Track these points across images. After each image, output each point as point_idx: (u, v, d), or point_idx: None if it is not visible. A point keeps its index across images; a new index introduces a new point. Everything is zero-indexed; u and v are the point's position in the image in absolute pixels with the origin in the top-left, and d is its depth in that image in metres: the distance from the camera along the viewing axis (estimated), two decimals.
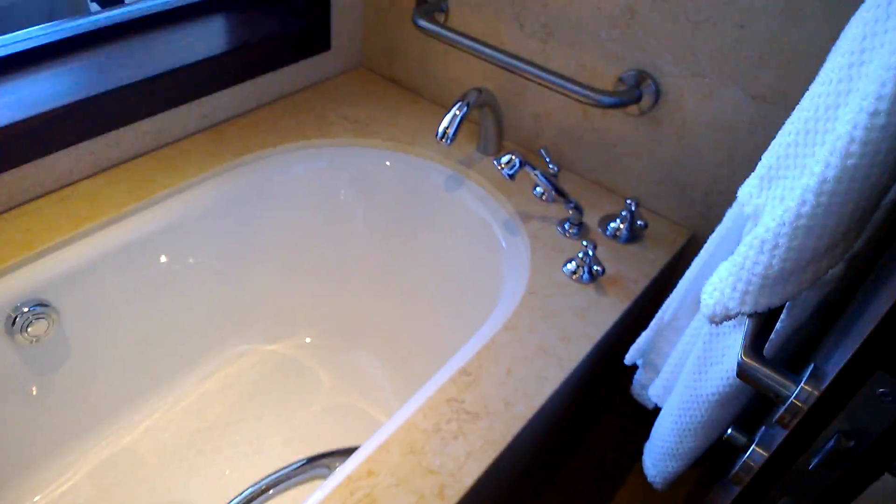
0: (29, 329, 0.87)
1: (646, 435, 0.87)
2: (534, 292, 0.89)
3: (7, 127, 0.85)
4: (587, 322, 0.85)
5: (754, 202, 0.60)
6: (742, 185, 0.63)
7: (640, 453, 1.22)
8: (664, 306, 0.79)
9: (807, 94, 0.54)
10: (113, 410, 1.04)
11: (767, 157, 0.59)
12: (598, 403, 1.18)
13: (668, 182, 1.00)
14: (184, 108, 1.05)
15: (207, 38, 1.09)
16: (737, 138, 0.90)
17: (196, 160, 1.03)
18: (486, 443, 0.71)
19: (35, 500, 0.96)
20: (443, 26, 1.05)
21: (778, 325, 0.61)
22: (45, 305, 0.88)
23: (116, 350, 1.01)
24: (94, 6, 1.18)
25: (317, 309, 1.22)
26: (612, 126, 1.02)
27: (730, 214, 0.70)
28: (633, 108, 0.97)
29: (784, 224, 0.48)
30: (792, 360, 0.68)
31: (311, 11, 1.15)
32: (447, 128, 0.95)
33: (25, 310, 0.86)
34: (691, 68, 0.90)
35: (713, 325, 0.65)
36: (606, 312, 0.87)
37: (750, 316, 0.53)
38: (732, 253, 0.68)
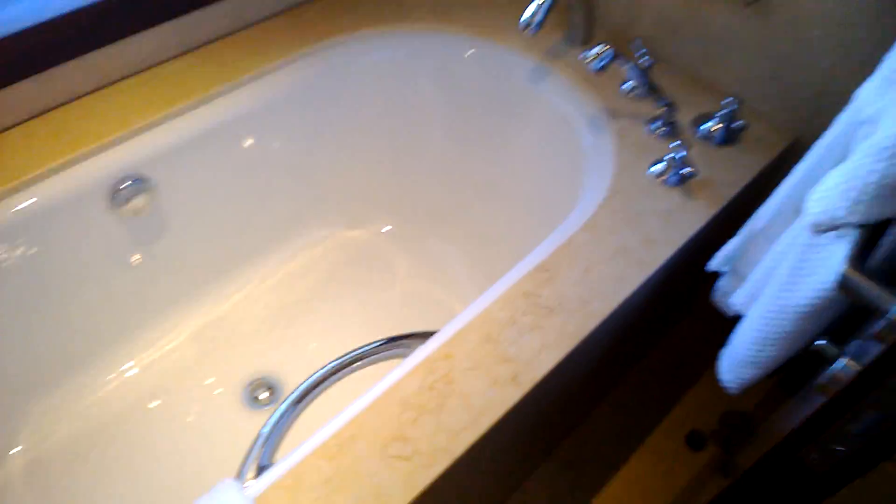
0: (130, 203, 0.92)
1: (720, 341, 0.87)
2: (617, 193, 0.86)
3: (97, 4, 0.87)
4: (671, 226, 0.83)
5: (875, 105, 0.55)
6: (861, 87, 0.58)
7: (713, 358, 1.22)
8: (758, 213, 0.75)
9: None
10: (208, 282, 1.12)
11: (892, 59, 0.53)
12: (676, 307, 1.17)
13: (773, 80, 0.93)
14: None
15: None
16: (856, 35, 0.82)
17: (277, 43, 1.03)
18: (560, 336, 0.72)
19: (144, 356, 1.07)
20: None
21: (885, 238, 0.58)
22: (144, 181, 0.93)
23: (209, 226, 1.07)
24: None
25: (396, 198, 1.24)
26: (717, 15, 0.94)
27: (842, 118, 0.64)
28: None
29: None
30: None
31: None
32: (532, 15, 0.90)
33: (126, 184, 0.91)
34: None
35: (811, 236, 0.62)
36: (693, 217, 0.84)
37: (858, 227, 0.50)
38: (841, 160, 0.64)
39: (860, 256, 0.49)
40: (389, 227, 1.25)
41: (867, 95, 0.55)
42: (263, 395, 1.03)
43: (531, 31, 0.90)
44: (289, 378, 1.06)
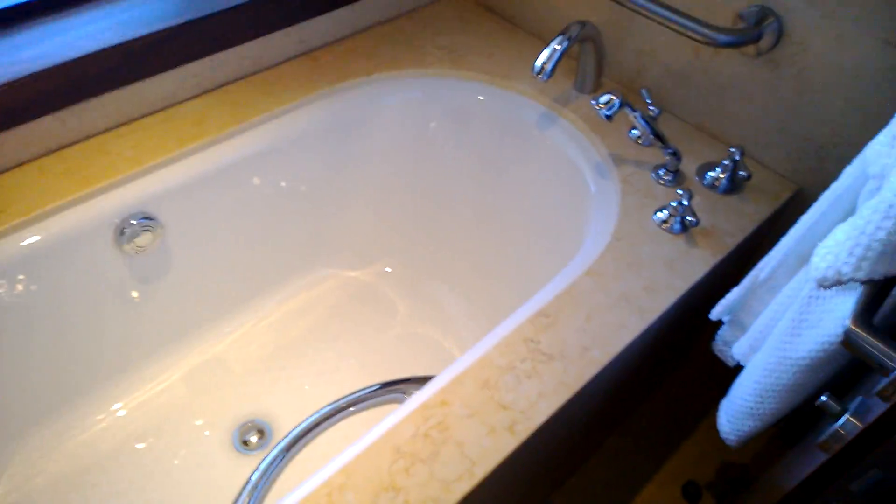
0: (136, 239, 0.93)
1: (719, 390, 0.85)
2: (620, 239, 0.86)
3: (121, 45, 0.89)
4: (674, 274, 0.82)
5: (882, 161, 0.55)
6: (870, 143, 0.58)
7: (711, 407, 1.19)
8: (761, 264, 0.75)
9: None
10: (205, 321, 1.12)
11: None
12: (674, 355, 1.15)
13: (779, 131, 0.93)
14: (281, 33, 1.06)
15: None
16: (864, 89, 0.82)
17: (292, 86, 1.05)
18: (559, 384, 0.71)
19: (134, 396, 1.06)
20: None
21: (891, 297, 0.57)
22: (151, 219, 0.93)
23: (211, 265, 1.07)
24: None
25: (399, 239, 1.24)
26: (724, 67, 0.95)
27: (849, 172, 0.64)
28: (750, 49, 0.90)
29: None
30: None
31: None
32: (545, 63, 0.91)
33: (133, 222, 0.92)
34: (822, 7, 0.81)
35: (815, 289, 0.61)
36: (695, 265, 0.83)
37: (863, 283, 0.49)
38: (848, 213, 0.63)
39: (866, 312, 0.48)
40: (391, 269, 1.25)
41: (876, 151, 0.55)
42: (254, 439, 1.01)
43: (543, 78, 0.91)
44: (281, 421, 1.04)
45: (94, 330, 0.99)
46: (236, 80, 1.05)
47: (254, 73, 1.07)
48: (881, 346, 0.46)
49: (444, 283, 1.22)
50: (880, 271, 0.48)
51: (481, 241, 1.19)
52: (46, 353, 0.95)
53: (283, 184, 1.08)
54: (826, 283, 0.51)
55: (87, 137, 0.95)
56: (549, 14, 1.13)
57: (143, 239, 0.94)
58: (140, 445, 1.01)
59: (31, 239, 0.86)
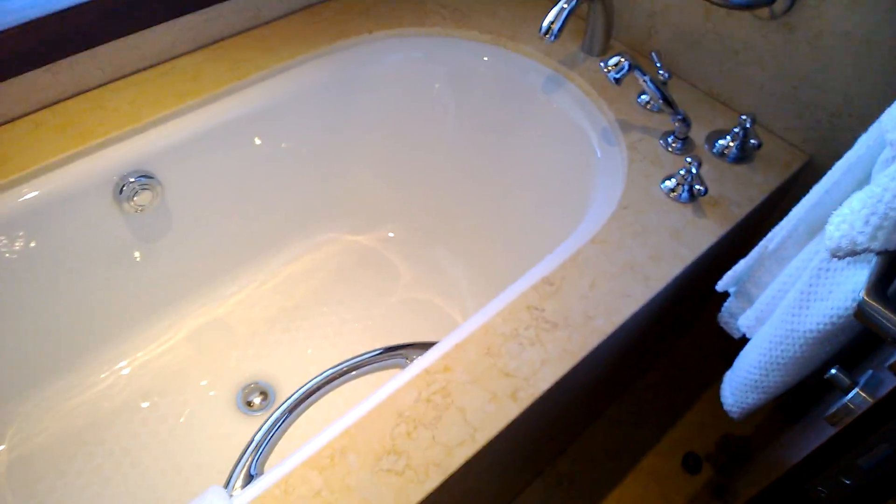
0: (135, 198, 0.91)
1: (723, 362, 0.84)
2: (626, 207, 0.85)
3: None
4: (680, 243, 0.81)
5: None
6: (888, 110, 0.56)
7: (713, 379, 1.19)
8: (770, 234, 0.73)
9: None
10: (208, 282, 1.11)
11: None
12: (679, 325, 1.15)
13: (791, 98, 0.91)
14: None
15: None
16: (882, 56, 0.80)
17: (291, 42, 1.02)
18: (562, 352, 0.71)
19: (138, 355, 1.06)
20: None
21: None
22: (150, 177, 0.92)
23: (213, 225, 1.05)
24: None
25: (403, 204, 1.22)
26: (736, 30, 0.92)
27: (863, 140, 0.63)
28: (763, 11, 0.87)
29: None
30: None
31: None
32: (552, 22, 0.89)
33: (132, 180, 0.90)
34: None
35: (825, 260, 0.60)
36: (702, 235, 0.82)
37: (878, 254, 0.48)
38: (862, 183, 0.62)
39: (880, 283, 0.47)
40: (393, 234, 1.23)
41: (892, 118, 0.53)
42: (257, 400, 1.02)
43: (550, 38, 0.88)
44: (284, 384, 1.04)
45: (96, 289, 0.98)
46: (234, 34, 1.02)
47: (251, 28, 1.04)
48: (895, 318, 0.45)
49: (447, 248, 1.21)
50: None
51: (485, 207, 1.18)
52: (49, 311, 0.95)
53: (283, 145, 1.06)
54: (840, 253, 0.50)
55: (81, 92, 0.92)
56: None
57: (143, 197, 0.92)
58: (144, 404, 1.01)
59: (30, 194, 0.84)
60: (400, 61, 1.08)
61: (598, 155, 0.95)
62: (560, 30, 0.88)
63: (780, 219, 0.74)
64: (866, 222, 0.48)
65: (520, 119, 1.08)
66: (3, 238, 0.84)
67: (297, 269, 1.17)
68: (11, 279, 0.88)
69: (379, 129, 1.14)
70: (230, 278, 1.13)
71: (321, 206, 1.18)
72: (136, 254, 0.99)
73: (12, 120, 0.88)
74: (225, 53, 0.99)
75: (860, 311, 0.45)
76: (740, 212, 0.85)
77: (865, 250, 0.48)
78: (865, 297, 0.45)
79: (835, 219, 0.50)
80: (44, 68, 0.87)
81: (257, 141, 1.02)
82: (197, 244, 1.05)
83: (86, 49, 0.88)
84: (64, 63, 0.88)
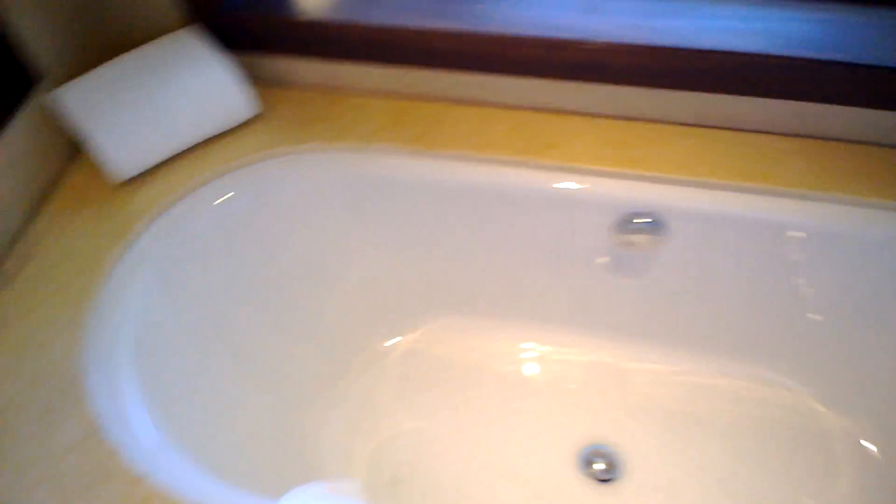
0: (635, 235, 0.90)
1: None
2: None
3: (749, 55, 0.82)
4: None
5: None
6: None
7: None
8: None
9: None
10: (639, 336, 1.09)
11: None
12: None
13: None
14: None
15: None
16: None
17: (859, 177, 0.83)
18: None
19: (545, 349, 1.11)
20: None
21: None
22: (662, 225, 0.89)
23: (688, 294, 1.00)
24: None
25: None
26: None
27: None
28: None
29: None
30: None
31: None
32: None
33: (644, 220, 0.89)
34: None
35: None
36: None
37: None
38: None
39: None
40: None
41: None
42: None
43: None
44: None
45: (567, 281, 1.04)
46: (843, 140, 0.88)
47: (872, 145, 0.88)
48: None
49: None
50: None
51: None
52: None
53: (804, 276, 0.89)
54: None
55: (664, 122, 0.93)
56: None
57: (642, 238, 0.91)
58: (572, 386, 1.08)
59: (561, 184, 0.91)
60: None
61: None
62: None
63: None
64: None
65: None
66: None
67: (740, 413, 1.03)
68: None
69: None
70: (662, 348, 1.08)
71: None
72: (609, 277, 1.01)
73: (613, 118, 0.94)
74: (821, 153, 0.87)
75: None
76: None
77: None
78: None
79: None
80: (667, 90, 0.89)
81: (787, 248, 0.88)
82: (658, 303, 1.02)
83: (684, 90, 0.87)
84: (664, 92, 0.89)
